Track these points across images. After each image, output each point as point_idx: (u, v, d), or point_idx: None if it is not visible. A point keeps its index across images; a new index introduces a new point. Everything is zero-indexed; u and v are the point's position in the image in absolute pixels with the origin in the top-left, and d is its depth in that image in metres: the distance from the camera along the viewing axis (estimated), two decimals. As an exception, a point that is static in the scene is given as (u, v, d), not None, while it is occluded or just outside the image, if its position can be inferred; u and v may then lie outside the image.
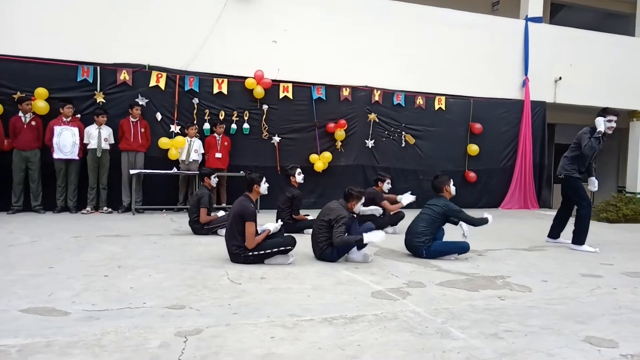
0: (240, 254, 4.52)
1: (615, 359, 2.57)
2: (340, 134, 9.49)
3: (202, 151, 8.56)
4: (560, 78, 11.34)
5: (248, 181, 4.80)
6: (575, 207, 6.08)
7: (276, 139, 9.19)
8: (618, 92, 11.87)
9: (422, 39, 10.26)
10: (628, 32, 12.84)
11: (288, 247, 4.62)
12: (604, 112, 5.83)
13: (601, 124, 5.73)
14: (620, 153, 14.38)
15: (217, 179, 6.70)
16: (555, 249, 5.94)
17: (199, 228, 6.17)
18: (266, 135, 9.16)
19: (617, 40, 12.10)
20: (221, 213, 6.50)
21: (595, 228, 8.27)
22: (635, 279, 4.43)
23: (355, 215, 5.13)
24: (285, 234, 4.82)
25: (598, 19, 14.12)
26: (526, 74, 11.07)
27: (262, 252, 4.52)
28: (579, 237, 5.88)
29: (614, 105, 11.99)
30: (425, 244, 5.06)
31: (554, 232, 6.35)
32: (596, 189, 6.24)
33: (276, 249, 4.57)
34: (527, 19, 11.11)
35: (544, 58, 11.18)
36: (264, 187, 4.84)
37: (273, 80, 9.07)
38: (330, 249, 4.77)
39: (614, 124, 5.78)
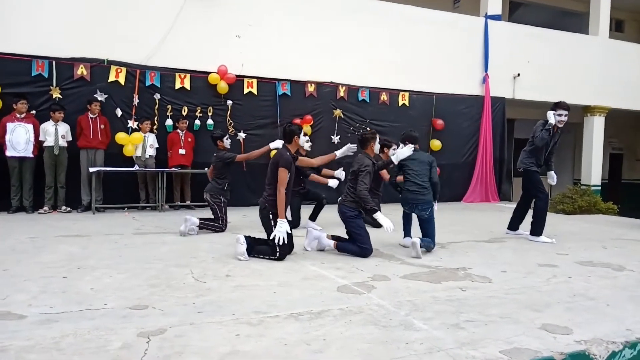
0: (264, 208, 4.71)
1: (569, 344, 2.68)
2: (306, 130, 9.49)
3: (157, 146, 8.37)
4: (518, 74, 11.68)
5: (287, 133, 4.85)
6: (533, 200, 6.30)
7: (242, 135, 9.11)
8: (573, 88, 12.33)
9: (386, 36, 10.36)
10: (582, 30, 13.35)
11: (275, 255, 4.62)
12: (556, 106, 6.07)
13: (551, 116, 5.99)
14: (576, 147, 14.97)
15: (230, 140, 6.61)
16: (515, 240, 6.14)
17: (217, 192, 6.22)
18: (232, 131, 9.05)
19: (572, 38, 12.57)
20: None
21: (552, 219, 8.58)
22: (588, 268, 4.63)
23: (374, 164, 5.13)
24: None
25: (554, 17, 14.62)
26: (486, 70, 11.35)
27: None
28: (536, 229, 6.09)
29: (569, 101, 12.42)
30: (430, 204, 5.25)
31: (513, 224, 6.56)
32: (555, 182, 6.49)
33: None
34: (487, 17, 11.38)
35: (503, 55, 11.48)
36: (302, 139, 4.93)
37: (237, 76, 8.97)
38: (350, 204, 4.92)
39: (564, 118, 5.99)
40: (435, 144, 10.79)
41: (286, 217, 4.68)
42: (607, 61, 12.83)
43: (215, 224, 6.15)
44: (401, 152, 5.25)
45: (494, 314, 3.16)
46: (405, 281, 3.97)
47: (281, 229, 4.57)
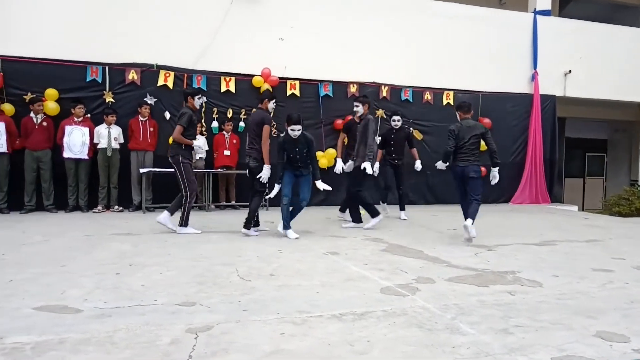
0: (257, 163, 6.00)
1: (627, 353, 2.55)
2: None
3: (207, 148, 8.58)
4: (570, 71, 11.22)
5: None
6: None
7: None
8: (628, 85, 11.72)
9: (430, 34, 10.20)
10: (637, 23, 12.67)
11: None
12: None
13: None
14: (632, 146, 14.22)
15: (202, 101, 6.33)
16: (567, 244, 5.89)
17: (171, 149, 6.01)
18: (275, 132, 9.16)
19: (627, 32, 11.94)
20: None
21: (607, 222, 8.20)
22: (647, 273, 4.39)
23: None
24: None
25: (607, 11, 13.96)
26: (535, 67, 10.97)
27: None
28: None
29: (623, 98, 11.91)
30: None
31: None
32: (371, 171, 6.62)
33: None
34: (536, 12, 11.00)
35: (553, 51, 11.06)
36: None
37: (280, 78, 9.08)
38: (478, 165, 5.85)
39: (354, 109, 6.85)
40: (482, 144, 10.49)
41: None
42: (666, 55, 12.11)
43: (179, 201, 6.03)
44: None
45: (544, 320, 3.05)
46: (450, 284, 3.90)
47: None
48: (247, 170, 6.14)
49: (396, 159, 7.84)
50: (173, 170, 6.07)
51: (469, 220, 5.54)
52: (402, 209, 7.92)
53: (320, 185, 6.01)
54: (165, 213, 6.04)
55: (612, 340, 2.72)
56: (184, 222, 6.04)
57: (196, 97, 6.11)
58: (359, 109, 6.71)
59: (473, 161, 5.82)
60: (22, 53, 7.76)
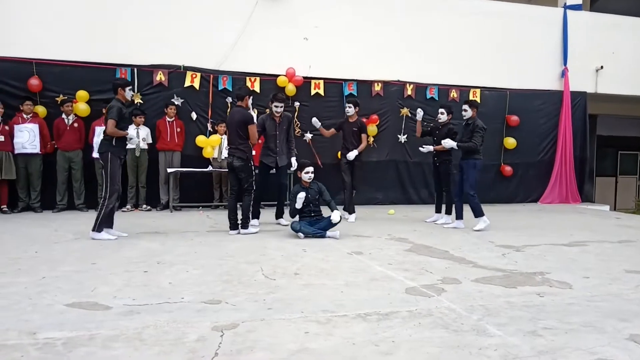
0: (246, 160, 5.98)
1: (662, 358, 2.46)
2: (372, 130, 9.42)
3: None
4: (601, 67, 10.91)
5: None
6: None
7: (308, 135, 9.22)
8: (664, 80, 11.33)
9: (456, 31, 10.06)
10: (675, 16, 12.22)
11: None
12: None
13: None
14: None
15: (132, 93, 5.79)
16: (598, 244, 5.74)
17: (101, 146, 5.61)
18: (299, 132, 9.19)
19: (663, 25, 11.54)
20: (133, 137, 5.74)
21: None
22: (684, 276, 4.23)
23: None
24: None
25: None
26: (565, 63, 10.70)
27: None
28: None
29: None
30: None
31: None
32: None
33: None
34: (566, 7, 10.73)
35: (584, 47, 10.77)
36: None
37: (304, 78, 9.10)
38: None
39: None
40: (510, 142, 10.33)
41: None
42: None
43: (101, 206, 5.50)
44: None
45: (575, 322, 2.97)
46: (477, 285, 3.84)
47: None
48: (228, 169, 6.14)
49: (435, 156, 7.26)
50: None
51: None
52: (447, 212, 7.15)
53: (336, 216, 5.72)
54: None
55: (646, 344, 2.64)
56: (97, 227, 5.44)
57: (127, 88, 5.65)
58: (280, 109, 6.64)
59: None
60: (54, 56, 7.99)
